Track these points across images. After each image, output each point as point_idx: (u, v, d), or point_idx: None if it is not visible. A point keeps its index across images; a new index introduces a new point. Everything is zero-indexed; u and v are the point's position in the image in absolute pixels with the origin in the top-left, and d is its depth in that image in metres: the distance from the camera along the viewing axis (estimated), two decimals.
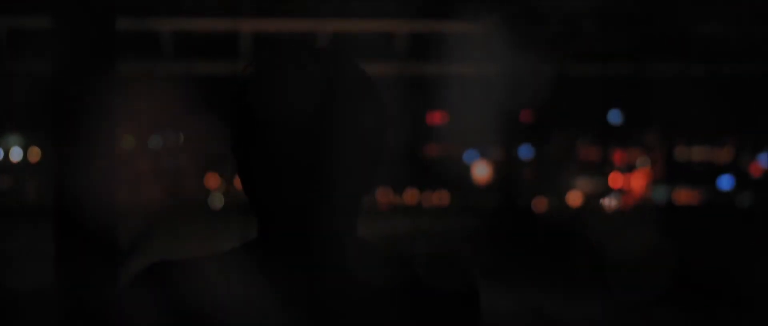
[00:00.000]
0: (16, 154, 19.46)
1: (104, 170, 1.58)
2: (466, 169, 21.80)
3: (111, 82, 1.57)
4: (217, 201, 19.41)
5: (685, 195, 21.08)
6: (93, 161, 1.56)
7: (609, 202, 20.31)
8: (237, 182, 1.28)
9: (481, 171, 21.59)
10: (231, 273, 1.17)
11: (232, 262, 1.19)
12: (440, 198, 20.89)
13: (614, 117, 21.62)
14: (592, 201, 20.17)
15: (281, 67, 1.18)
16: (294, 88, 1.16)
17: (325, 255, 1.18)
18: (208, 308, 1.14)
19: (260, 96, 1.18)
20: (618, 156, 21.55)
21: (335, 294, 1.16)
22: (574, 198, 20.45)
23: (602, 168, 21.06)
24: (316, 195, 1.17)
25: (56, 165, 1.56)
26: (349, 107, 1.18)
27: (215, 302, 1.14)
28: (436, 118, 22.05)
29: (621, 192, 20.77)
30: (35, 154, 19.42)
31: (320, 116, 1.16)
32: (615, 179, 20.99)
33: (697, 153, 22.23)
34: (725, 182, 21.08)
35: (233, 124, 1.21)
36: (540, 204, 19.63)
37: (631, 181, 21.18)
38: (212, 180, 20.31)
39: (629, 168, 21.45)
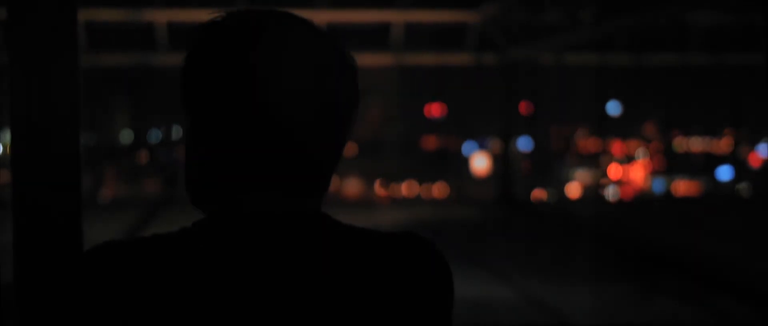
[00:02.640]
0: None
1: (67, 164, 1.53)
2: (465, 161, 21.80)
3: (74, 74, 1.52)
4: None
5: (684, 186, 21.07)
6: (55, 155, 1.52)
7: (608, 193, 20.30)
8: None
9: (480, 162, 21.58)
10: (182, 253, 1.11)
11: (183, 241, 1.13)
12: (439, 189, 20.88)
13: (613, 108, 21.60)
14: (590, 192, 20.16)
15: (251, 33, 1.13)
16: (266, 55, 1.12)
17: (285, 232, 1.13)
18: (156, 286, 1.09)
19: (232, 57, 1.12)
20: (616, 147, 21.55)
21: (294, 272, 1.11)
22: (573, 189, 20.44)
23: (601, 160, 21.06)
24: (275, 169, 1.13)
25: (14, 160, 1.52)
26: (316, 75, 1.13)
27: (164, 280, 1.09)
28: (435, 109, 22.02)
29: (620, 183, 20.77)
30: None
31: (286, 85, 1.12)
32: (614, 170, 20.99)
33: (696, 144, 22.23)
34: (724, 173, 21.07)
35: (195, 87, 1.15)
36: (539, 195, 19.61)
37: (630, 172, 21.17)
38: None
39: (628, 159, 21.45)
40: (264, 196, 1.14)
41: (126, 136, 21.11)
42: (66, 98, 1.42)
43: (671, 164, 21.46)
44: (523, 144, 20.05)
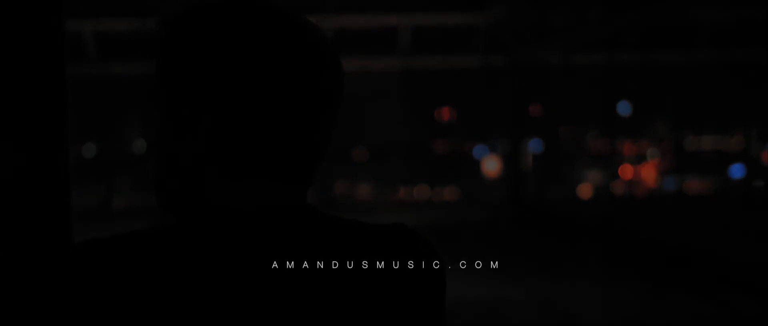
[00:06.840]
0: None
1: (56, 172, 1.54)
2: (476, 164, 21.76)
3: (58, 82, 1.53)
4: None
5: (696, 185, 20.97)
6: (42, 165, 1.52)
7: (620, 192, 20.23)
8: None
9: (491, 165, 21.54)
10: (164, 248, 1.09)
11: (166, 237, 1.11)
12: (451, 193, 20.85)
13: (623, 108, 21.52)
14: (602, 192, 20.09)
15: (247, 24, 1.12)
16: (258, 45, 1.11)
17: (272, 223, 1.11)
18: (137, 284, 1.06)
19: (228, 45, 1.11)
20: (627, 147, 21.45)
21: (281, 264, 1.10)
22: (585, 190, 20.38)
23: (612, 160, 20.98)
24: (259, 160, 1.11)
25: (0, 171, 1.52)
26: (303, 63, 1.12)
27: (145, 278, 1.07)
28: (445, 113, 22.00)
29: (631, 183, 20.69)
30: None
31: (272, 73, 1.11)
32: (625, 170, 20.90)
33: (707, 142, 22.12)
34: (736, 171, 20.95)
35: (178, 79, 1.12)
36: (550, 196, 19.55)
37: (642, 172, 21.09)
38: None
39: (639, 159, 21.35)
40: (248, 189, 1.12)
41: (139, 146, 21.15)
42: (53, 105, 1.42)
43: (683, 163, 21.35)
44: (534, 146, 20.01)
